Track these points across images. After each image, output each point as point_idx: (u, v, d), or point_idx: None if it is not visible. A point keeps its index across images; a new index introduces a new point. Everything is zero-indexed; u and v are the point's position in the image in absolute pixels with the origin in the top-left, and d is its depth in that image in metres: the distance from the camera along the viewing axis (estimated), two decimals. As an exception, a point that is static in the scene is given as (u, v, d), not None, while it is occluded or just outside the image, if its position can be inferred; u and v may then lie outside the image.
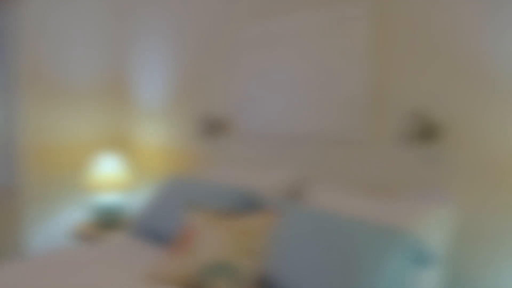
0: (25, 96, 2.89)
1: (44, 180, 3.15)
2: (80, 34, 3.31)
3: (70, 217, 3.31)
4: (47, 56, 3.14)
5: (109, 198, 2.94)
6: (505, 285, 1.57)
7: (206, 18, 2.75)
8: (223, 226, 1.72)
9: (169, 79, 3.06)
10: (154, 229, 2.20)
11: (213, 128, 2.69)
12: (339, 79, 2.02)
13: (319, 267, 1.47)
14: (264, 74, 2.37)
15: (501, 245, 1.57)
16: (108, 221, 2.94)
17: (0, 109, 2.86)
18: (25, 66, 2.88)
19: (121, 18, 3.49)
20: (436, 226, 1.62)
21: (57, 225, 3.24)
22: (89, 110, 3.40)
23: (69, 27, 3.25)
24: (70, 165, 3.30)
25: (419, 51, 1.76)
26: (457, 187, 1.69)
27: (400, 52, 1.82)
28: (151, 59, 3.20)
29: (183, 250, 1.70)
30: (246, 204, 2.05)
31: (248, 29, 2.45)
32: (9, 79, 2.84)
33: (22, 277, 1.72)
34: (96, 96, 3.44)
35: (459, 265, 1.68)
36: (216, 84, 2.72)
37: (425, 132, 1.73)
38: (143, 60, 3.28)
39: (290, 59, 2.23)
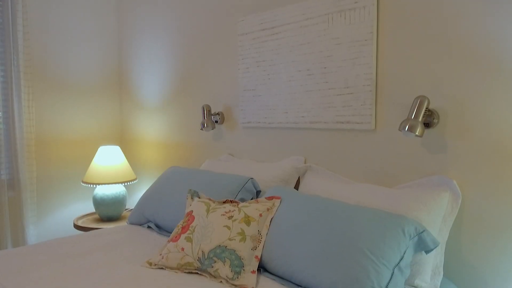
0: (28, 90, 2.89)
1: (46, 173, 3.16)
2: (82, 28, 3.31)
3: (73, 210, 3.32)
4: (50, 51, 3.15)
5: (111, 190, 2.94)
6: (506, 272, 1.57)
7: (206, 11, 2.75)
8: (223, 212, 1.73)
9: (170, 72, 3.07)
10: (155, 216, 2.21)
11: (214, 120, 2.69)
12: (344, 67, 2.02)
13: (320, 251, 1.47)
14: (266, 64, 2.37)
15: (503, 231, 1.57)
16: (110, 214, 2.94)
17: (3, 103, 2.86)
18: (29, 60, 2.88)
19: (122, 13, 3.49)
20: (438, 212, 1.62)
21: (60, 218, 3.25)
22: (92, 104, 3.40)
23: (71, 21, 3.25)
24: (72, 158, 3.30)
25: (424, 38, 1.76)
26: (459, 173, 1.68)
27: (405, 39, 1.82)
28: (152, 53, 3.20)
29: (183, 236, 1.70)
30: (247, 192, 2.06)
31: (249, 19, 2.44)
32: (13, 73, 2.84)
33: (20, 263, 1.72)
34: (99, 90, 3.44)
35: (460, 251, 1.68)
36: (216, 76, 2.72)
37: (429, 118, 1.73)
38: (144, 53, 3.28)
39: (293, 49, 2.22)
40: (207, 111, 2.63)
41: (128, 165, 3.09)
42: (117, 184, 2.96)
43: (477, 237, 1.64)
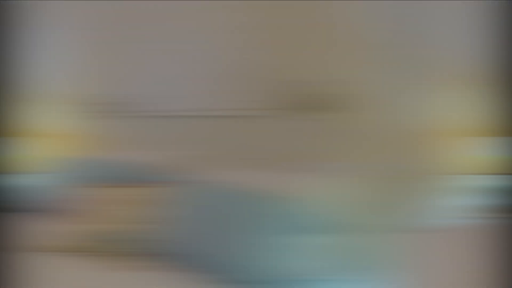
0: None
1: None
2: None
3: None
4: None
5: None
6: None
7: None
8: (116, 196, 1.74)
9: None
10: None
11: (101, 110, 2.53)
12: (214, 52, 2.01)
13: (211, 236, 1.53)
14: (136, 48, 2.29)
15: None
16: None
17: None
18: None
19: None
20: (328, 196, 1.60)
21: None
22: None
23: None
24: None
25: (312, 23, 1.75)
26: (356, 158, 1.66)
27: (280, 24, 1.80)
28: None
29: (74, 220, 1.69)
30: (138, 178, 2.00)
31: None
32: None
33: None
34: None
35: (357, 234, 1.64)
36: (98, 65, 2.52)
37: (312, 103, 1.73)
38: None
39: (166, 35, 2.16)
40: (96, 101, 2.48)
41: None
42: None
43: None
